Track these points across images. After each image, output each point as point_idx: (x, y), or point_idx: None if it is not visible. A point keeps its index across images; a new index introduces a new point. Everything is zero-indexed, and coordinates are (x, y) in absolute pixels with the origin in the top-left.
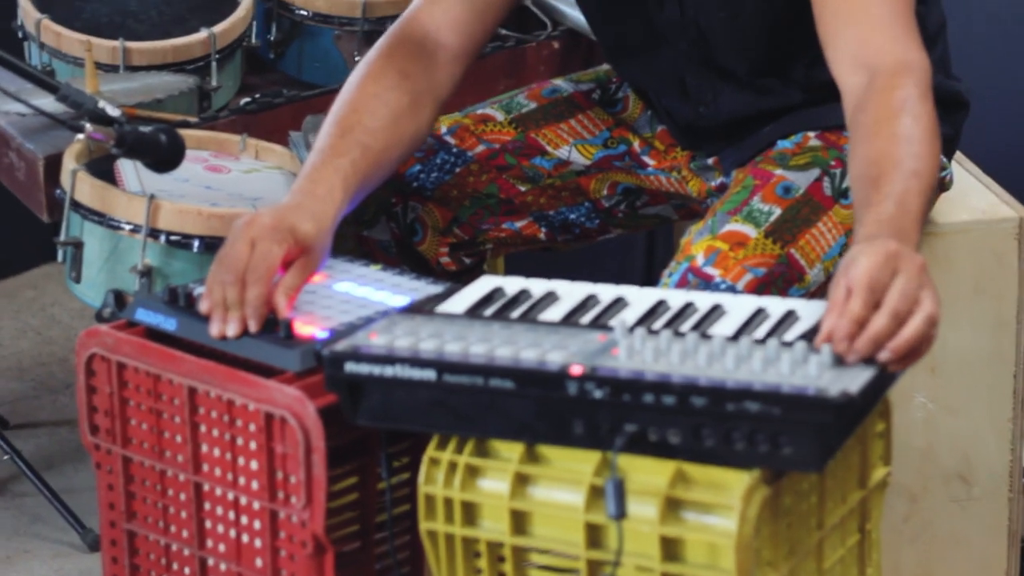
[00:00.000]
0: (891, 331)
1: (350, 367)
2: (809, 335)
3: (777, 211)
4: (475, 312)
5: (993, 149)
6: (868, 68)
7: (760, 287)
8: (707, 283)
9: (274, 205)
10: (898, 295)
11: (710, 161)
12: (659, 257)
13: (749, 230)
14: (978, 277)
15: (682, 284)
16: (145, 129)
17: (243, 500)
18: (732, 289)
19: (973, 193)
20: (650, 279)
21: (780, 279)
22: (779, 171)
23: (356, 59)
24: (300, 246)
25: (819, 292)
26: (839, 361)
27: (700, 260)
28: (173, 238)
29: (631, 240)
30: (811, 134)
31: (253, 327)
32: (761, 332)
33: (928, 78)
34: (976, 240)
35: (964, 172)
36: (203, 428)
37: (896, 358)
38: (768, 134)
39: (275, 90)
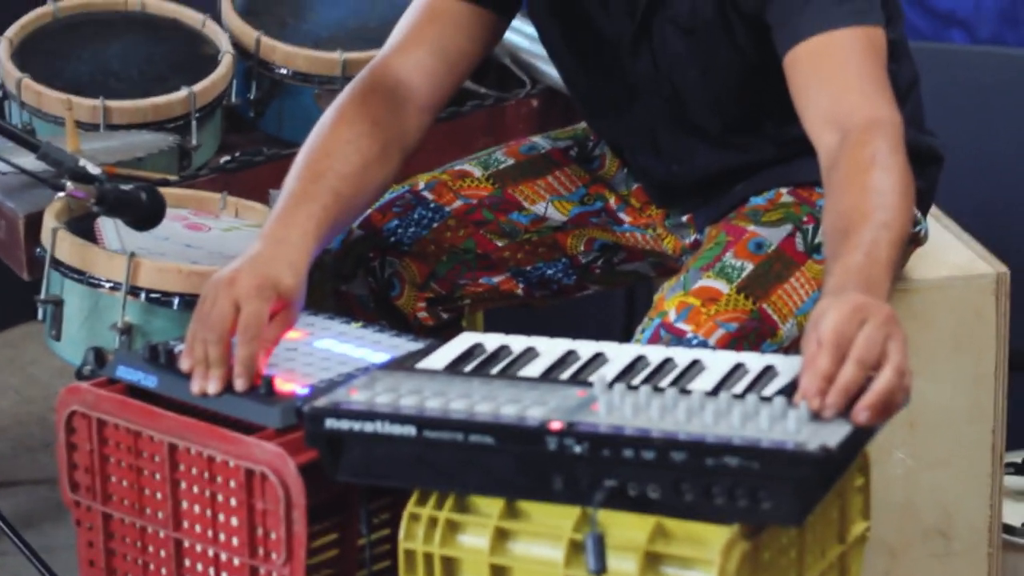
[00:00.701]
0: (859, 380)
1: (330, 423)
2: (788, 390)
3: (749, 267)
4: (455, 368)
5: (969, 204)
6: (840, 127)
7: (732, 342)
8: (679, 339)
9: (248, 257)
10: (863, 344)
11: (684, 219)
12: (639, 313)
13: (721, 286)
14: (956, 333)
15: (655, 340)
16: (125, 188)
17: (223, 557)
18: (704, 344)
19: (950, 248)
20: (630, 335)
21: (752, 334)
22: (752, 227)
23: None
24: (282, 301)
25: (792, 347)
26: (817, 416)
27: (672, 316)
28: (153, 296)
29: (610, 296)
30: (783, 190)
31: (242, 386)
32: (740, 387)
33: (899, 132)
34: (954, 296)
35: (940, 227)
36: (183, 485)
37: (871, 413)
38: (741, 191)
39: (255, 148)
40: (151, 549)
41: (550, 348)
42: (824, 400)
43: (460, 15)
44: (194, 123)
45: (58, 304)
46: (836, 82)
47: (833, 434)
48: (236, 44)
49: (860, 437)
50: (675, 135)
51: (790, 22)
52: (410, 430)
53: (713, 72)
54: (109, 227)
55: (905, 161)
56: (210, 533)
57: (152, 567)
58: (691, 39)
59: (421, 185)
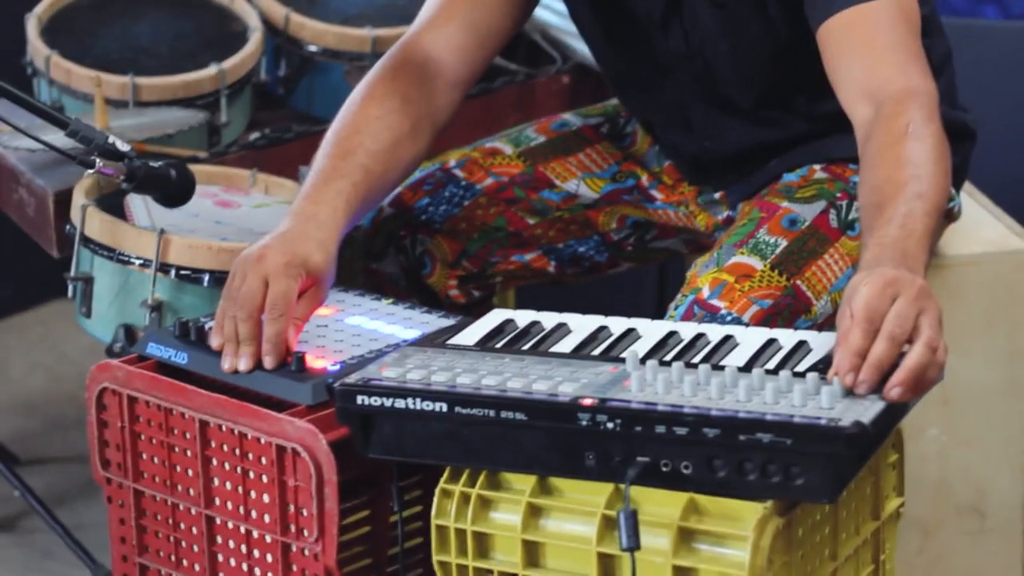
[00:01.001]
0: (891, 356)
1: (361, 400)
2: (821, 366)
3: (783, 243)
4: (486, 344)
5: (1003, 179)
6: (875, 99)
7: (766, 319)
8: (713, 315)
9: (277, 234)
10: (894, 319)
11: (716, 195)
12: (671, 290)
13: (755, 262)
14: (990, 309)
15: (688, 316)
16: (155, 164)
17: (255, 534)
18: (738, 321)
19: (983, 224)
20: (661, 312)
21: (786, 311)
22: (785, 203)
23: None
24: (311, 278)
25: (826, 323)
26: (851, 392)
27: (706, 292)
28: (183, 273)
29: (642, 273)
30: (817, 167)
31: (271, 363)
32: (773, 363)
33: (934, 102)
34: (987, 271)
35: (974, 203)
36: (215, 462)
37: (904, 389)
38: (774, 167)
39: (285, 125)
40: (183, 526)
41: (582, 324)
42: (857, 376)
43: None
44: (224, 100)
45: (88, 281)
46: (870, 54)
47: (866, 410)
48: (265, 21)
49: (893, 413)
50: (706, 111)
51: None
52: (441, 406)
53: (744, 47)
54: (139, 204)
55: (940, 130)
56: (242, 510)
57: (184, 544)
58: (722, 14)
59: (452, 163)
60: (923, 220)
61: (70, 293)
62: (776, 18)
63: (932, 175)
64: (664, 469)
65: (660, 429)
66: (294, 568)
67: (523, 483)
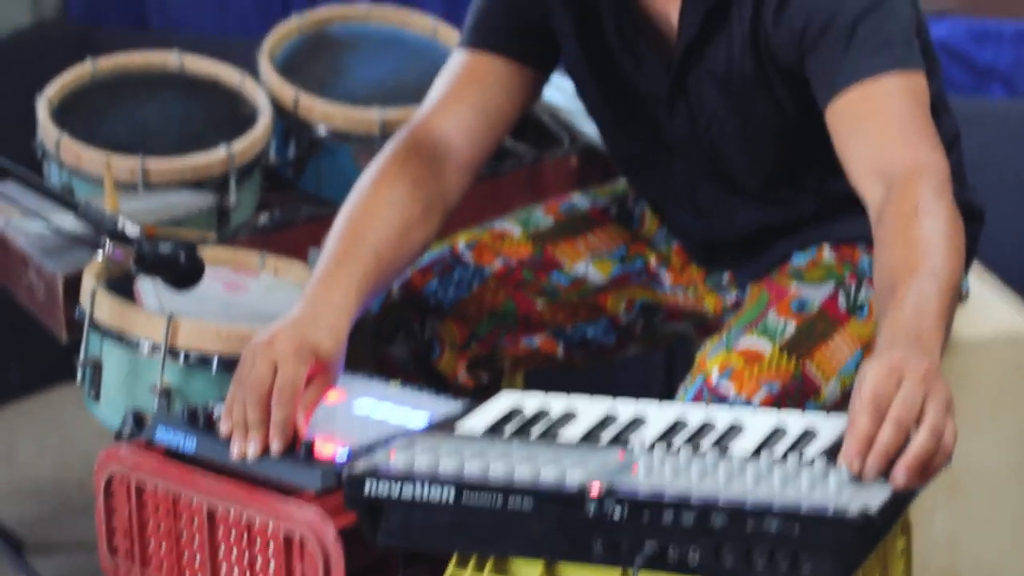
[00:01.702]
0: (897, 441)
1: (370, 487)
2: (828, 451)
3: (792, 326)
4: (494, 430)
5: (1012, 260)
6: (885, 178)
7: (776, 402)
8: (723, 399)
9: (289, 319)
10: (900, 404)
11: (725, 277)
12: (679, 372)
13: (764, 345)
14: (998, 391)
15: (698, 399)
16: (164, 247)
17: None
18: (748, 404)
19: (992, 306)
20: (670, 394)
21: (796, 394)
22: (794, 286)
23: None
24: (320, 363)
25: (836, 407)
26: (859, 478)
27: (715, 375)
28: (192, 357)
29: (651, 356)
30: (825, 248)
31: (278, 449)
32: (780, 449)
33: (945, 177)
34: (996, 354)
35: (982, 284)
36: (222, 549)
37: (909, 475)
38: (782, 249)
39: (294, 207)
40: None
41: (589, 409)
42: (864, 462)
43: (500, 72)
44: (233, 182)
45: (97, 366)
46: (878, 131)
47: (874, 497)
48: (275, 103)
49: (901, 499)
50: (714, 192)
51: (829, 73)
52: (449, 493)
53: (751, 126)
54: (148, 288)
55: (951, 205)
56: None
57: None
58: (728, 93)
59: (461, 246)
60: (937, 300)
61: (79, 377)
62: (783, 97)
63: (945, 253)
64: (672, 556)
65: (668, 516)
66: None
67: (531, 569)
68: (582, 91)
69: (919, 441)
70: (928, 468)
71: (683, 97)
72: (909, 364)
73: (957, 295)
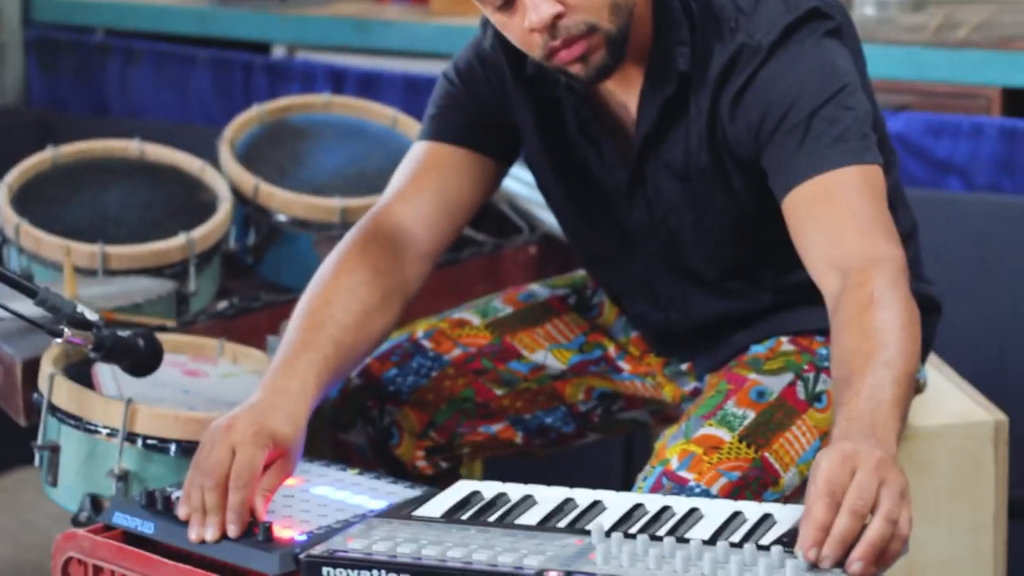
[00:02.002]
0: (853, 530)
1: (327, 572)
2: (786, 539)
3: (751, 415)
4: (452, 516)
5: (968, 352)
6: (840, 269)
7: (734, 491)
8: (681, 487)
9: (248, 405)
10: (855, 493)
11: (684, 367)
12: (638, 461)
13: (723, 434)
14: (955, 480)
15: (657, 488)
16: (123, 334)
17: None
18: (707, 493)
19: (948, 396)
20: (629, 483)
21: (755, 483)
22: (752, 375)
23: None
24: (279, 449)
25: (794, 496)
26: (815, 566)
27: (674, 464)
28: (150, 442)
29: (610, 444)
30: (784, 339)
31: (234, 532)
32: (738, 536)
33: (900, 268)
34: (952, 443)
35: (939, 375)
36: None
37: (865, 563)
38: (741, 339)
39: (253, 294)
40: None
41: (548, 496)
42: (820, 551)
43: (460, 162)
44: (192, 269)
45: (55, 450)
46: (834, 223)
47: None
48: (235, 190)
49: None
50: (672, 283)
51: (786, 166)
52: None
53: (709, 219)
54: (107, 373)
55: (906, 295)
56: None
57: None
58: (686, 186)
59: (420, 333)
60: (891, 389)
61: (36, 461)
62: (740, 191)
63: (899, 342)
64: None
65: None
66: None
67: None
68: (541, 182)
69: (874, 529)
70: (884, 556)
71: (641, 189)
72: (863, 454)
73: (912, 384)
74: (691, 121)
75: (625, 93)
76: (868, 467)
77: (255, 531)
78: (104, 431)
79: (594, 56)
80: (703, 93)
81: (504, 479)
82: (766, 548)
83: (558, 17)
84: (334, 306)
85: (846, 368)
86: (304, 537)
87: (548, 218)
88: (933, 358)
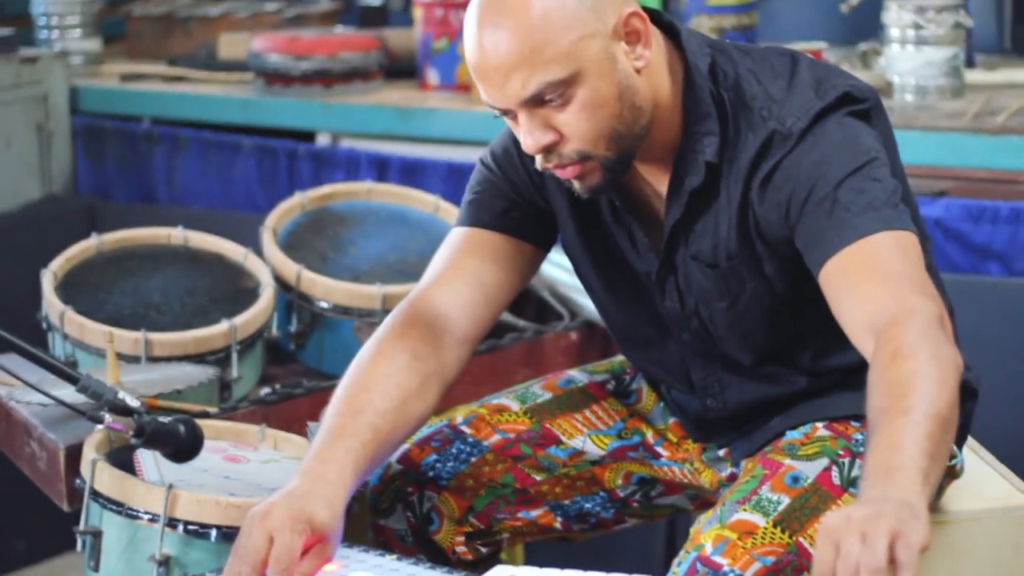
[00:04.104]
0: None
1: None
2: None
3: (786, 500)
4: None
5: (1006, 437)
6: (875, 331)
7: (769, 575)
8: (716, 572)
9: (286, 492)
10: (866, 558)
11: (721, 452)
12: (679, 545)
13: (758, 519)
14: (994, 566)
15: (691, 573)
16: (164, 420)
17: None
18: None
19: (987, 481)
20: (670, 567)
21: (789, 568)
22: (788, 461)
23: None
24: (317, 535)
25: None
26: None
27: (709, 549)
28: (191, 527)
29: (651, 527)
30: (819, 424)
31: None
32: None
33: (931, 318)
34: (991, 529)
35: (977, 459)
36: None
37: None
38: (776, 425)
39: (295, 380)
40: None
41: None
42: None
43: (498, 247)
44: (235, 355)
45: (97, 535)
46: (868, 288)
47: None
48: (277, 277)
49: None
50: (707, 369)
51: (818, 241)
52: None
53: (740, 305)
54: (148, 458)
55: (936, 342)
56: None
57: None
58: (716, 273)
59: (459, 419)
60: (911, 431)
61: (79, 546)
62: (772, 276)
63: (920, 387)
64: None
65: None
66: None
67: None
68: (578, 268)
69: None
70: None
71: (672, 277)
72: (875, 513)
73: (944, 424)
74: (720, 209)
75: (658, 183)
76: (876, 530)
77: None
78: (145, 516)
79: (589, 178)
80: (734, 182)
81: (545, 564)
82: None
83: (552, 145)
84: (372, 392)
85: (871, 427)
86: None
87: (588, 304)
88: (971, 443)
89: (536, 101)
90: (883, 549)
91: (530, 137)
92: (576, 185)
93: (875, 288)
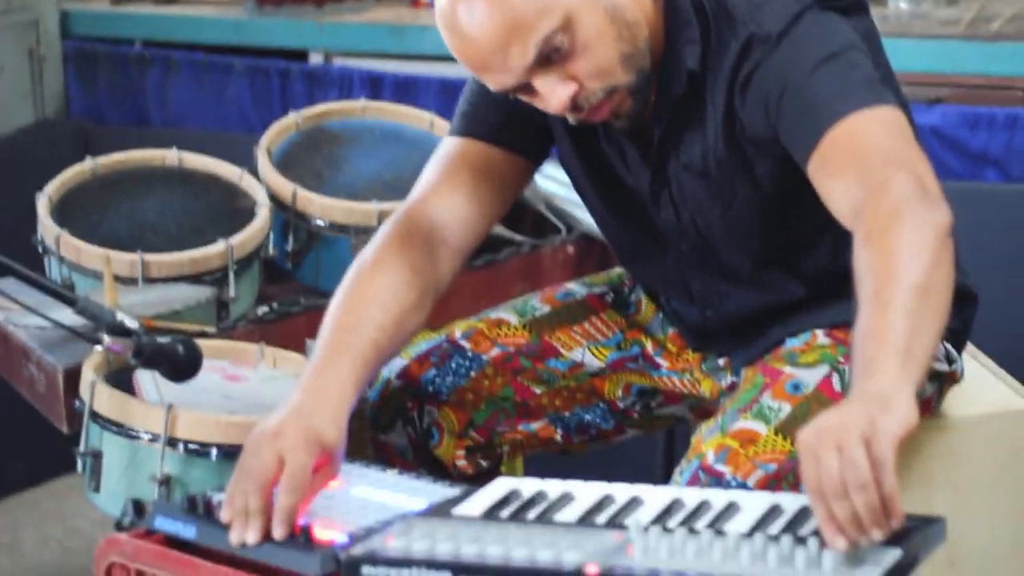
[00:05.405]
0: (860, 507)
1: (367, 571)
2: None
3: (787, 408)
4: (491, 514)
5: (1005, 342)
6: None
7: (771, 483)
8: (718, 480)
9: (292, 410)
10: (849, 473)
11: (721, 362)
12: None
13: (759, 427)
14: (994, 470)
15: (693, 482)
16: (163, 340)
17: None
18: (743, 486)
19: (986, 386)
20: (670, 478)
21: (791, 475)
22: (788, 368)
23: None
24: (326, 454)
25: None
26: (853, 556)
27: (711, 457)
28: (191, 447)
29: (651, 439)
30: (819, 332)
31: (281, 535)
32: (775, 529)
33: (906, 187)
34: (991, 433)
35: (976, 365)
36: None
37: (882, 529)
38: (776, 334)
39: (292, 299)
40: None
41: (586, 492)
42: (843, 540)
43: (493, 161)
44: (232, 275)
45: (97, 456)
46: (847, 175)
47: (868, 574)
48: (273, 197)
49: (897, 575)
50: (705, 280)
51: (799, 135)
52: None
53: (734, 210)
54: (147, 380)
55: (908, 211)
56: None
57: None
58: (708, 182)
59: (458, 334)
60: (885, 314)
61: (79, 468)
62: (763, 179)
63: (892, 267)
64: None
65: None
66: None
67: None
68: (576, 184)
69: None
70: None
71: (665, 189)
72: (842, 421)
73: (923, 293)
74: (707, 118)
75: None
76: (851, 439)
77: (296, 533)
78: (146, 437)
79: (622, 108)
80: (718, 89)
81: (545, 476)
82: (803, 540)
83: (576, 94)
84: (372, 306)
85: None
86: (345, 538)
87: (586, 217)
88: (970, 348)
89: (543, 61)
90: (862, 459)
91: (553, 97)
92: (616, 123)
93: (853, 172)
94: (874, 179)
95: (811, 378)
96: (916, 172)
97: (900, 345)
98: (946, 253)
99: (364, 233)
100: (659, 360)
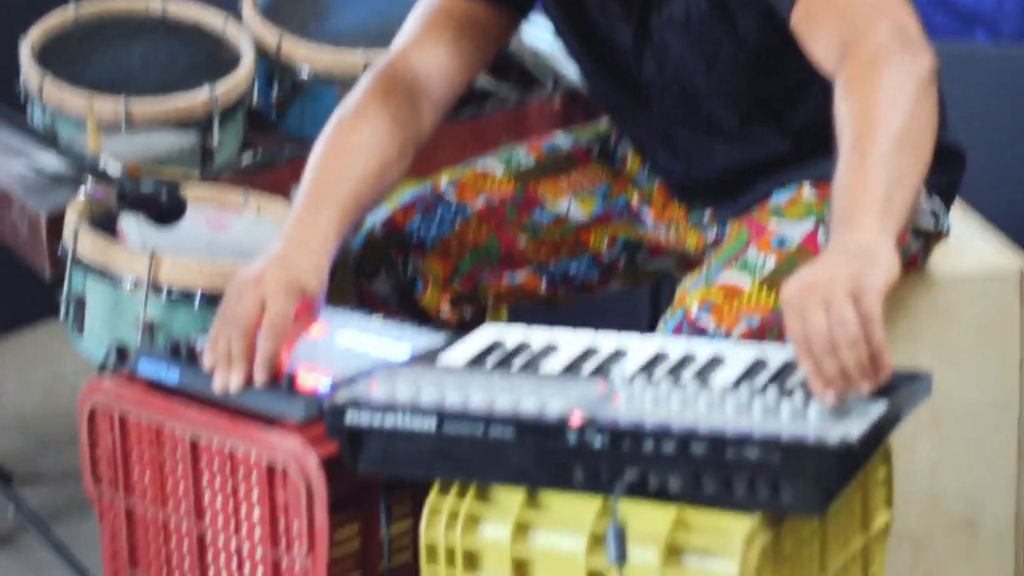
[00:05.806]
0: (847, 362)
1: (351, 417)
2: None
3: (772, 261)
4: (476, 362)
5: (993, 200)
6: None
7: (755, 337)
8: (702, 332)
9: (274, 257)
10: (836, 330)
11: (706, 215)
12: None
13: (744, 280)
14: (980, 327)
15: (678, 333)
16: (146, 185)
17: (245, 548)
18: (727, 338)
19: (973, 244)
20: (655, 329)
21: (775, 328)
22: (774, 222)
23: None
24: (306, 301)
25: None
26: (839, 408)
27: (695, 310)
28: (175, 293)
29: (636, 292)
30: (805, 186)
31: (262, 380)
32: (761, 381)
33: (886, 34)
34: (978, 290)
35: (964, 223)
36: (205, 478)
37: (870, 382)
38: (761, 187)
39: (277, 148)
40: (174, 541)
41: (571, 342)
42: (830, 394)
43: (476, 14)
44: (216, 123)
45: (80, 301)
46: (828, 26)
47: (854, 427)
48: (258, 45)
49: (882, 427)
50: (690, 134)
51: None
52: (430, 423)
53: (718, 66)
54: (131, 226)
55: (886, 59)
56: (232, 525)
57: (175, 559)
58: (691, 37)
59: (443, 184)
60: (863, 165)
61: (62, 313)
62: (745, 28)
63: (869, 117)
64: (652, 484)
65: (648, 446)
66: None
67: (512, 498)
68: (560, 35)
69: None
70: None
71: (648, 44)
72: (827, 277)
73: (902, 141)
74: None
75: None
76: (837, 295)
77: (279, 379)
78: (129, 282)
79: None
80: None
81: (530, 325)
82: (789, 392)
83: None
84: (355, 157)
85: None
86: (328, 384)
87: (572, 71)
88: (958, 206)
89: None
90: (851, 316)
91: None
92: None
93: (835, 22)
94: (855, 27)
95: (796, 232)
96: (897, 18)
97: (879, 195)
98: (927, 99)
99: (350, 83)
100: (645, 213)
